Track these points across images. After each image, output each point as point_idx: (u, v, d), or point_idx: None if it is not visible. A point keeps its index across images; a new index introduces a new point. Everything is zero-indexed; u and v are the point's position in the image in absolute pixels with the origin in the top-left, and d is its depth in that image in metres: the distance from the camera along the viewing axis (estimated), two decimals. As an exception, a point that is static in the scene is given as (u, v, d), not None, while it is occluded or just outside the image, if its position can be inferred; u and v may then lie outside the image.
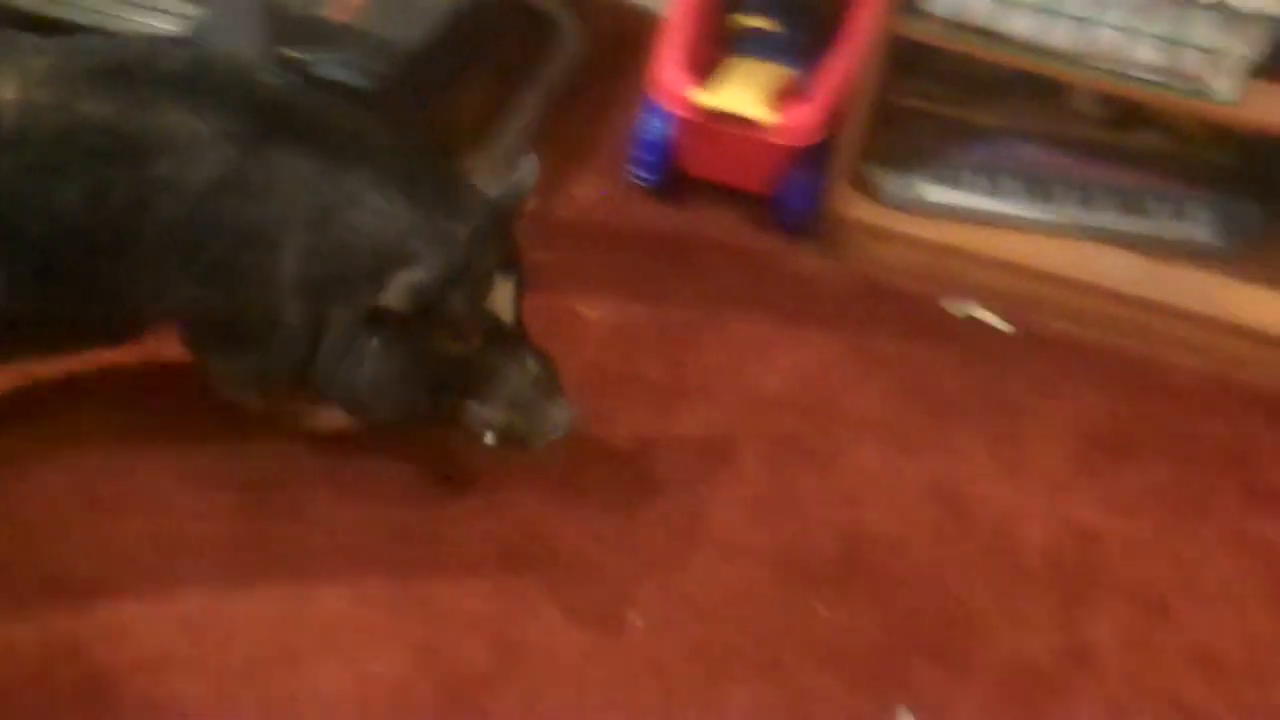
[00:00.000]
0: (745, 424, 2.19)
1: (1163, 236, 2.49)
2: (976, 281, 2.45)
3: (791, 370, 2.29)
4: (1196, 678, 1.93)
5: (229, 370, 1.93)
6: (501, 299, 1.77)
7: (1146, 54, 2.14)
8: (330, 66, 2.16)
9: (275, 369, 1.84)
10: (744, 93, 2.38)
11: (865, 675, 1.87)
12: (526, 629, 1.87)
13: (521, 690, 1.80)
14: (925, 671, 1.89)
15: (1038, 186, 2.51)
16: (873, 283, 2.47)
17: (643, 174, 2.55)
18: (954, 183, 2.51)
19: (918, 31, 2.22)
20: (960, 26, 2.19)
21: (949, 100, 2.64)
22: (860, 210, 2.47)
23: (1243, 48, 2.10)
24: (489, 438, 1.83)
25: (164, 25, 2.24)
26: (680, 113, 2.39)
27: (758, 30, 2.58)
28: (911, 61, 2.44)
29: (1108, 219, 2.49)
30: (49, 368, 2.03)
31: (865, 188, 2.49)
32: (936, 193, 2.49)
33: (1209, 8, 2.06)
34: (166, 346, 1.92)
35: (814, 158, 2.42)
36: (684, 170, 2.53)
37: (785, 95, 2.41)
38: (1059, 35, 2.15)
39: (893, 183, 2.50)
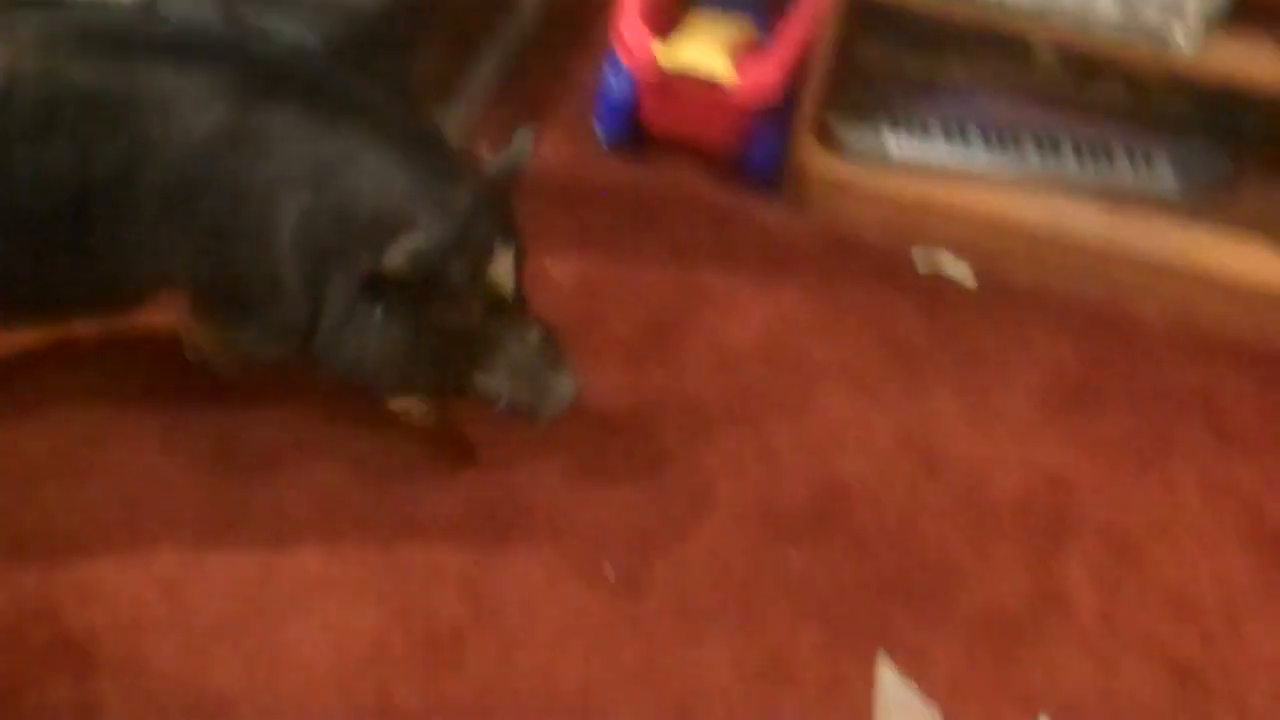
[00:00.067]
0: (715, 378, 2.19)
1: (1125, 185, 2.50)
2: (942, 233, 2.45)
3: (760, 324, 2.28)
4: (1170, 619, 1.94)
5: (234, 340, 1.90)
6: (502, 269, 1.76)
7: (1107, 8, 2.15)
8: (283, 26, 2.13)
9: (276, 338, 1.82)
10: (705, 49, 2.37)
11: (843, 624, 1.88)
12: (503, 585, 1.86)
13: (498, 645, 1.80)
14: (902, 619, 1.89)
15: (1001, 138, 2.52)
16: (839, 236, 2.47)
17: (607, 131, 2.54)
18: (918, 136, 2.51)
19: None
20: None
21: (913, 54, 2.64)
22: (825, 165, 2.47)
23: (1200, 0, 2.11)
24: (501, 404, 1.82)
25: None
26: (641, 71, 2.37)
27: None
28: (874, 16, 2.44)
29: (1071, 169, 2.50)
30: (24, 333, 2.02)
31: (830, 142, 2.49)
32: (901, 146, 2.50)
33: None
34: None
35: (778, 113, 2.42)
36: (648, 128, 2.52)
37: (747, 51, 2.40)
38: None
39: (857, 137, 2.50)
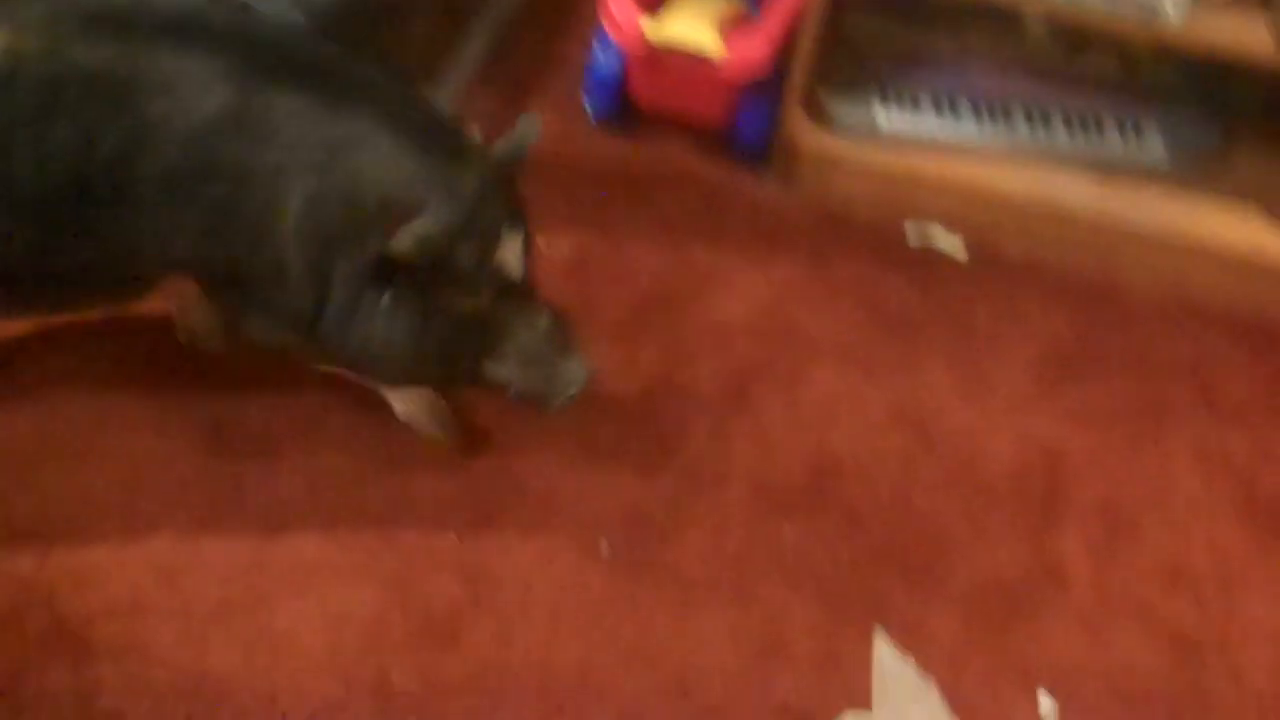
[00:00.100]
0: (708, 353, 2.18)
1: (1116, 156, 2.49)
2: (933, 207, 2.45)
3: (752, 299, 2.28)
4: (1165, 589, 1.95)
5: (242, 327, 1.88)
6: (510, 254, 1.74)
7: (1096, -22, 2.15)
8: (269, 2, 2.12)
9: (283, 325, 1.79)
10: (693, 24, 2.36)
11: (839, 598, 1.88)
12: (498, 565, 1.86)
13: (496, 625, 1.80)
14: (898, 591, 1.90)
15: (992, 110, 2.51)
16: (830, 211, 2.46)
17: (595, 107, 2.53)
18: (909, 109, 2.50)
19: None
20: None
21: (903, 27, 2.63)
22: (815, 139, 2.46)
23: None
24: (511, 391, 1.81)
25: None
26: (629, 46, 2.36)
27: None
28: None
29: (1062, 141, 2.50)
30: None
31: (820, 116, 2.48)
32: (891, 119, 2.49)
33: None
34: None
35: (767, 87, 2.40)
36: (637, 103, 2.51)
37: (735, 25, 2.39)
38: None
39: (847, 111, 2.49)
